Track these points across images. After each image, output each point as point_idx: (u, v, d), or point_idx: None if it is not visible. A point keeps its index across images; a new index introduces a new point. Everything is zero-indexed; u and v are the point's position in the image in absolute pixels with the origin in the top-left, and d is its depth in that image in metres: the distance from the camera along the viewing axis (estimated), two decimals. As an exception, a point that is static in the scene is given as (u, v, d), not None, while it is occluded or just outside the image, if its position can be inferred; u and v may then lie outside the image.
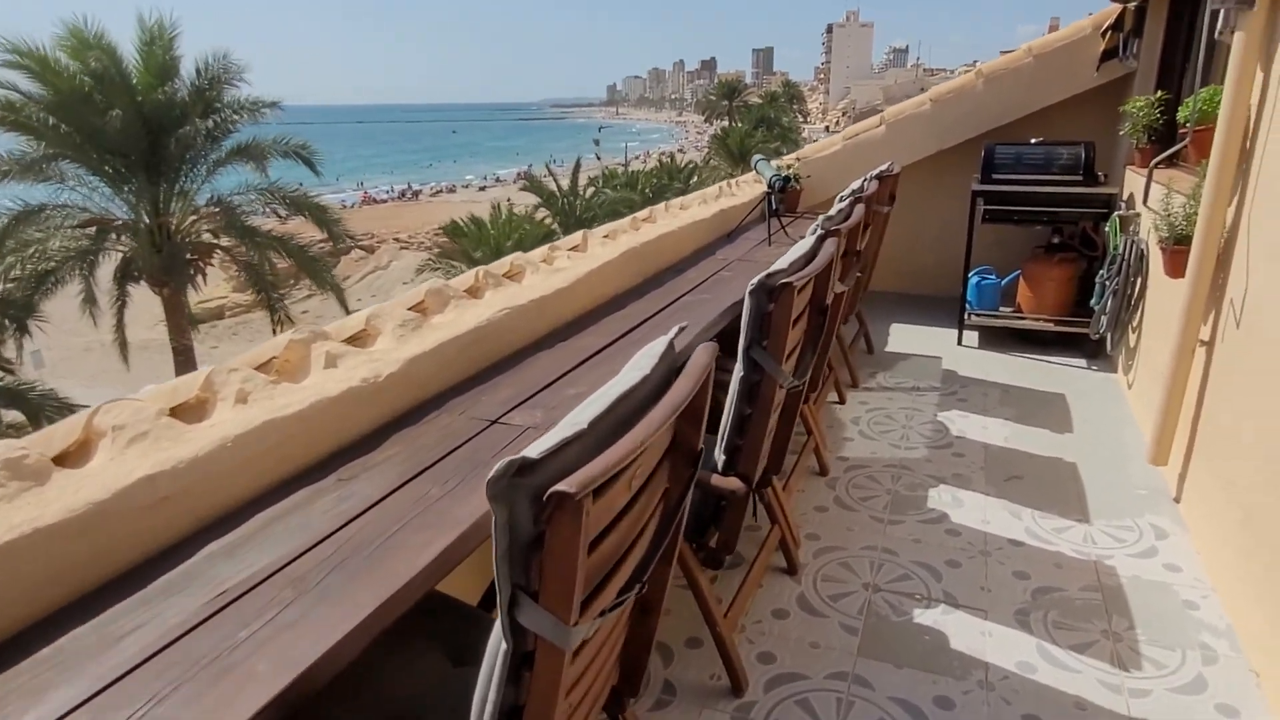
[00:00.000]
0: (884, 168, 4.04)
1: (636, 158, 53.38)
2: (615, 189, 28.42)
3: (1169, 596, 2.55)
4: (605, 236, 3.06)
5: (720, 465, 2.03)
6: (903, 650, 2.32)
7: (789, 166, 4.98)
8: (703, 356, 1.31)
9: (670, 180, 27.59)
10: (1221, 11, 2.86)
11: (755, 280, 1.84)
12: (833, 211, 2.58)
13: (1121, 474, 3.31)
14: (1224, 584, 2.55)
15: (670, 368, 1.33)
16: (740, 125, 44.78)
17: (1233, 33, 2.76)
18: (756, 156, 4.56)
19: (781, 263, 1.93)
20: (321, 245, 15.14)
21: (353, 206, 51.07)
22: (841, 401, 4.04)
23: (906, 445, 3.60)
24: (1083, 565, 2.71)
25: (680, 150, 60.65)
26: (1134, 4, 4.50)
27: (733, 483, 1.95)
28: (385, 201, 54.87)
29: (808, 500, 3.14)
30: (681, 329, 1.36)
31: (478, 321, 2.08)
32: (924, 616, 2.46)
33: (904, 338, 5.09)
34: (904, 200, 5.75)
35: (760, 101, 56.69)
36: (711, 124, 61.19)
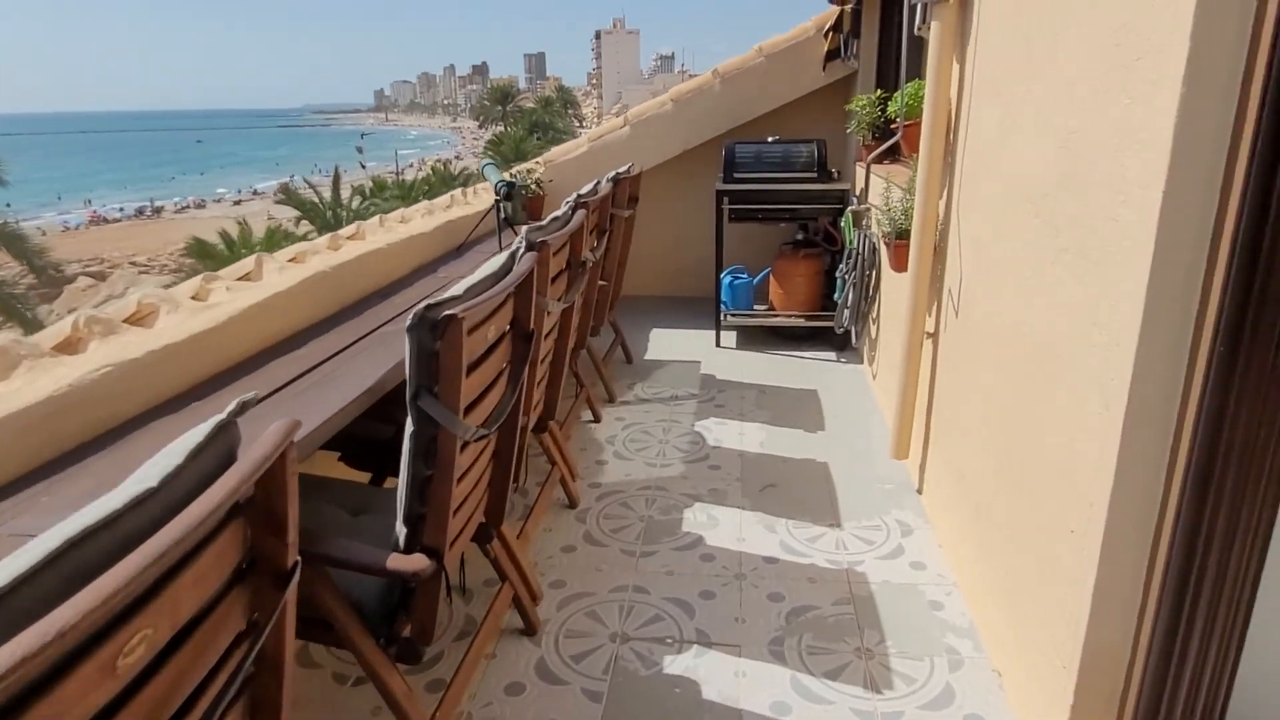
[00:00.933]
0: (622, 169, 3.82)
1: (411, 165, 51.29)
2: (386, 199, 26.99)
3: (916, 599, 2.49)
4: (291, 260, 2.55)
5: (401, 540, 1.64)
6: (651, 711, 2.05)
7: (530, 171, 4.68)
8: (271, 439, 0.92)
9: (445, 187, 26.66)
10: (918, 6, 2.88)
11: (415, 313, 1.47)
12: (544, 220, 2.26)
13: (869, 469, 3.31)
14: (965, 579, 2.53)
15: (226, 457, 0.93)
16: (515, 130, 44.35)
17: (929, 26, 2.78)
18: (484, 161, 4.18)
19: (456, 288, 1.58)
20: (21, 277, 12.91)
21: (79, 228, 44.87)
22: (596, 420, 3.78)
23: (663, 462, 3.40)
24: (835, 577, 2.60)
25: (457, 156, 59.14)
26: (850, 6, 4.64)
27: (416, 561, 1.57)
28: (118, 221, 48.69)
29: (554, 540, 2.82)
30: (247, 401, 0.95)
31: (54, 389, 1.54)
32: (675, 664, 2.22)
33: (665, 343, 4.95)
34: (660, 200, 5.65)
35: (534, 106, 56.59)
36: (486, 129, 60.27)
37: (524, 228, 2.09)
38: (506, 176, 3.85)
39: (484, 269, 1.76)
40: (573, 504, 3.01)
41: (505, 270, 1.82)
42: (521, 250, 1.99)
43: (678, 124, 5.14)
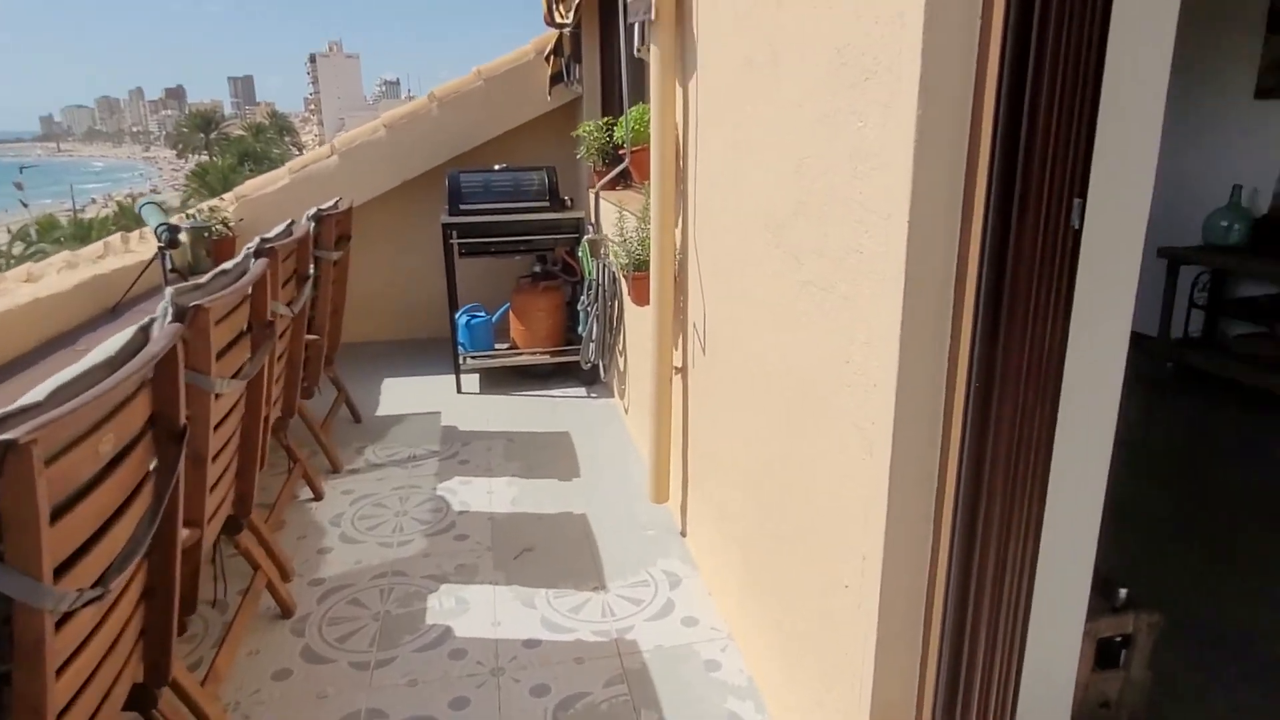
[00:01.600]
0: (327, 205, 3.32)
1: (93, 201, 44.59)
2: (59, 241, 23.20)
3: (691, 662, 2.29)
4: None
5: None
6: None
7: (215, 210, 3.98)
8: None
9: (138, 225, 23.38)
10: (637, 26, 2.73)
11: (-54, 439, 0.96)
12: (204, 279, 1.76)
13: (631, 516, 3.10)
14: (739, 630, 2.38)
15: None
16: (224, 160, 40.29)
17: (648, 48, 2.64)
18: (142, 201, 3.45)
19: (36, 391, 1.08)
20: None
21: None
22: (318, 497, 3.22)
23: (401, 539, 2.94)
24: (605, 651, 2.33)
25: (154, 189, 52.46)
26: (569, 29, 4.48)
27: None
28: None
29: (262, 666, 2.27)
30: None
31: None
32: (425, 809, 1.81)
33: (399, 394, 4.45)
34: (383, 236, 5.13)
35: (244, 134, 51.94)
36: (186, 159, 54.25)
37: (169, 289, 1.59)
38: (174, 219, 3.18)
39: (93, 355, 1.26)
40: (286, 613, 2.47)
41: (131, 351, 1.33)
42: (165, 319, 1.50)
43: (394, 152, 4.68)
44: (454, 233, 4.12)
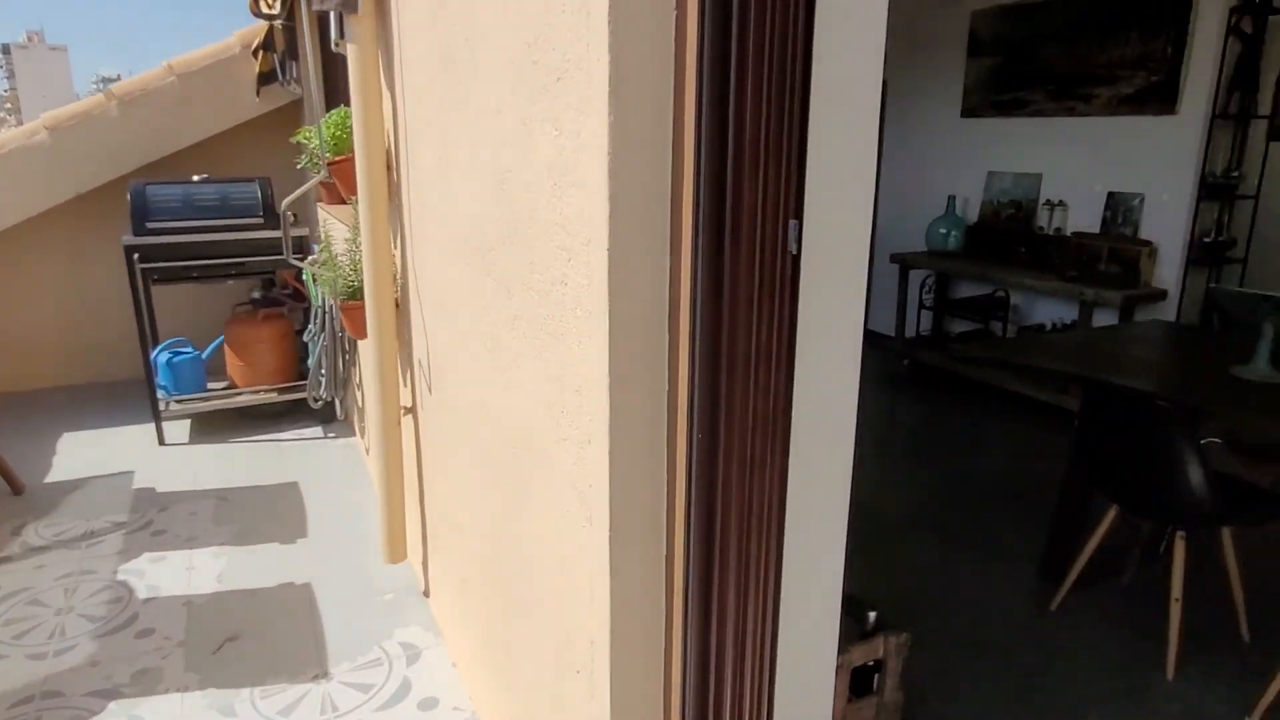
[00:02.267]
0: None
1: None
2: None
3: (428, 758, 1.96)
4: None
5: None
6: None
7: None
8: None
9: None
10: (332, 16, 2.35)
11: None
12: None
13: (365, 579, 2.69)
14: (486, 707, 2.08)
15: None
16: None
17: (347, 44, 2.28)
18: None
19: None
20: None
21: None
22: (-58, 604, 2.51)
23: (59, 647, 2.33)
24: (321, 762, 1.94)
25: None
26: (280, 21, 3.95)
27: None
28: None
29: None
30: None
31: None
32: None
33: (82, 452, 3.68)
34: (56, 262, 4.27)
35: (-81, 136, 43.52)
36: None
37: None
38: None
39: None
40: None
41: None
42: None
43: (59, 160, 3.88)
44: (139, 256, 3.46)
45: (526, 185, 1.38)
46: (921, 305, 5.16)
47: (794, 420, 1.26)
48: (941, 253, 4.92)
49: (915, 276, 5.12)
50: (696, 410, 1.18)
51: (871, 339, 5.74)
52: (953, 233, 4.86)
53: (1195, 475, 2.20)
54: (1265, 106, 4.10)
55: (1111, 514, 2.51)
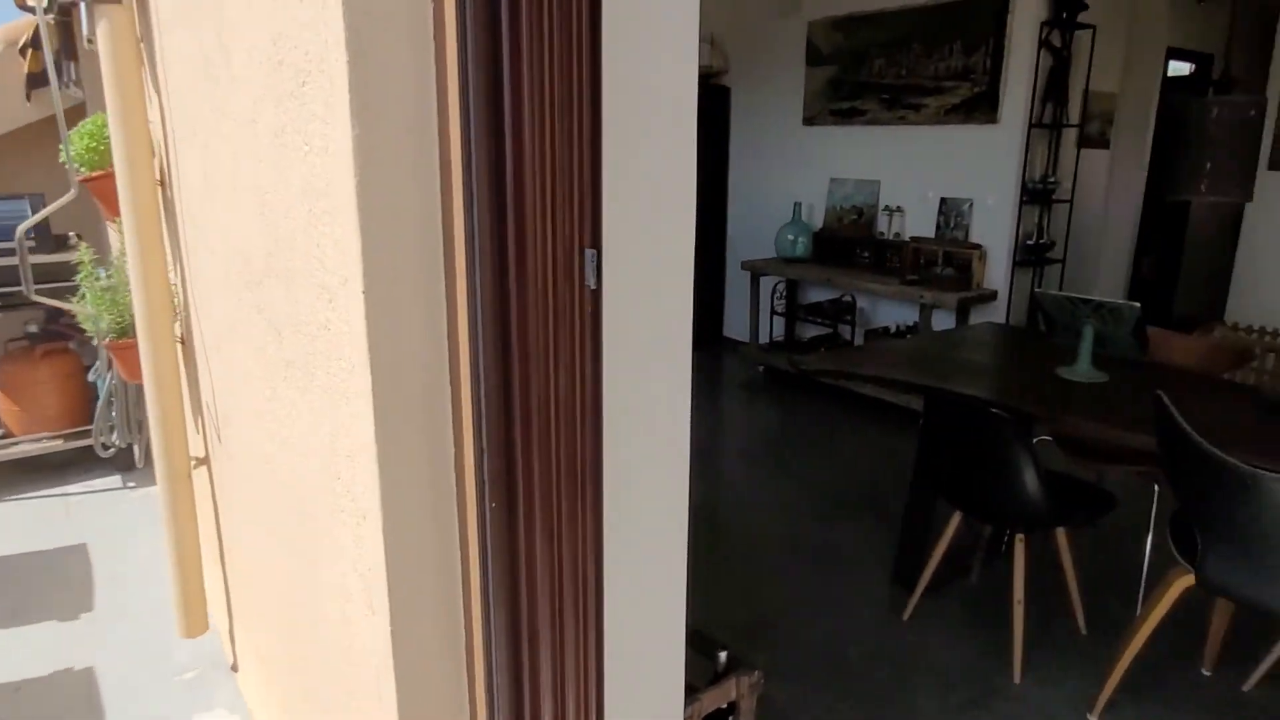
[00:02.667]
0: None
1: None
2: None
3: None
4: None
5: None
6: None
7: None
8: None
9: None
10: (81, 8, 2.01)
11: None
12: None
13: (164, 655, 2.34)
14: (293, 806, 1.81)
15: None
16: None
17: (99, 39, 1.94)
18: None
19: None
20: None
21: None
22: None
23: None
24: None
25: None
26: (53, 17, 3.45)
27: None
28: None
29: None
30: None
31: None
32: None
33: None
34: None
35: None
36: None
37: None
38: None
39: None
40: None
41: None
42: None
43: None
44: None
45: (286, 210, 1.16)
46: (774, 311, 5.19)
47: (612, 469, 1.10)
48: (790, 259, 4.96)
49: (766, 283, 5.14)
50: (488, 475, 1.00)
51: (727, 346, 5.74)
52: (800, 239, 4.91)
53: (1030, 481, 2.22)
54: (1075, 116, 4.35)
55: (957, 519, 2.52)
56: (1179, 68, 5.90)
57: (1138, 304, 2.40)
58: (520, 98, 0.90)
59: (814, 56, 4.93)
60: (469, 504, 1.02)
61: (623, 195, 1.04)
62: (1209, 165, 2.38)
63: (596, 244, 0.99)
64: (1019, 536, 2.36)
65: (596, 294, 1.00)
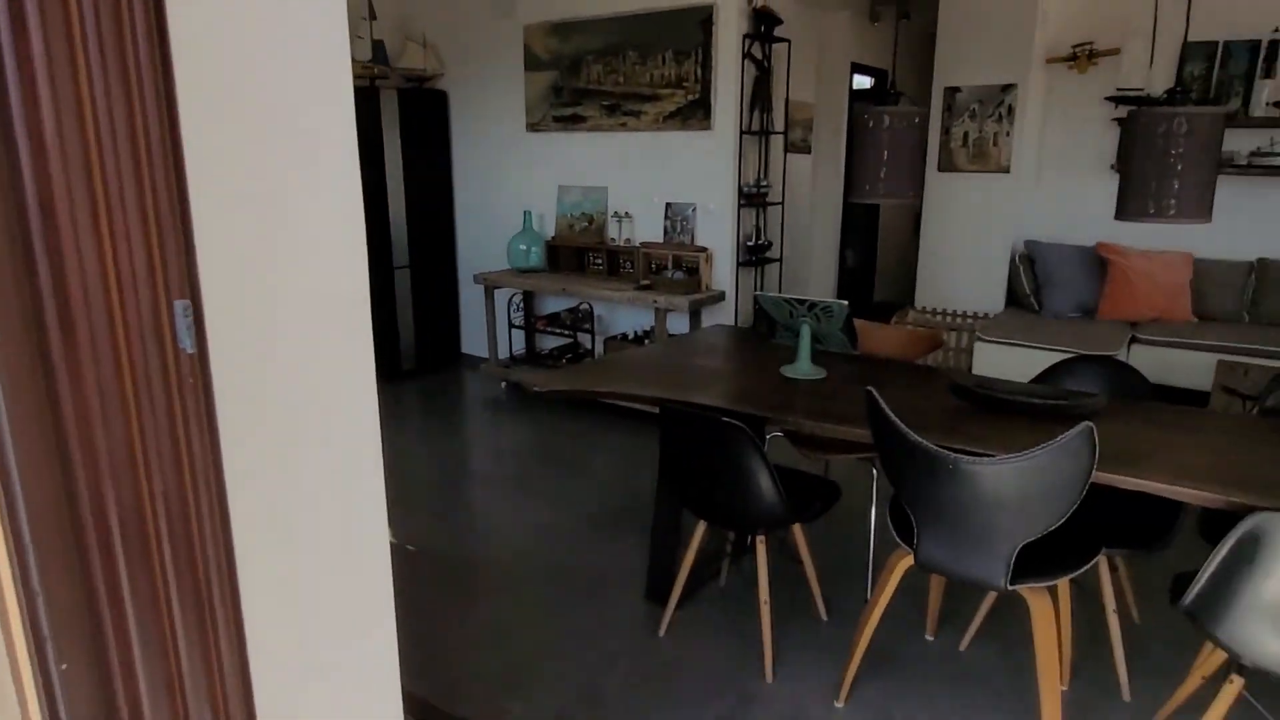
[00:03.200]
0: None
1: None
2: None
3: None
4: None
5: None
6: None
7: None
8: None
9: None
10: None
11: None
12: None
13: None
14: None
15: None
16: None
17: None
18: None
19: None
20: None
21: None
22: None
23: None
24: None
25: None
26: None
27: None
28: None
29: None
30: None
31: None
32: None
33: None
34: None
35: None
36: None
37: None
38: None
39: None
40: None
41: None
42: None
43: None
44: None
45: None
46: (512, 324, 5.01)
47: (259, 574, 0.84)
48: (525, 270, 4.81)
49: (502, 296, 4.96)
50: (51, 632, 0.70)
51: (467, 363, 5.48)
52: (533, 249, 4.78)
53: (767, 486, 2.23)
54: (780, 124, 4.63)
55: (702, 528, 2.50)
56: (862, 81, 6.57)
57: (846, 302, 2.52)
58: (34, 89, 0.62)
59: (533, 61, 4.82)
60: (23, 671, 0.71)
61: (237, 225, 0.79)
62: (884, 170, 2.54)
63: (192, 293, 0.73)
64: (760, 539, 2.38)
65: (197, 359, 0.74)
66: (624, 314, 4.75)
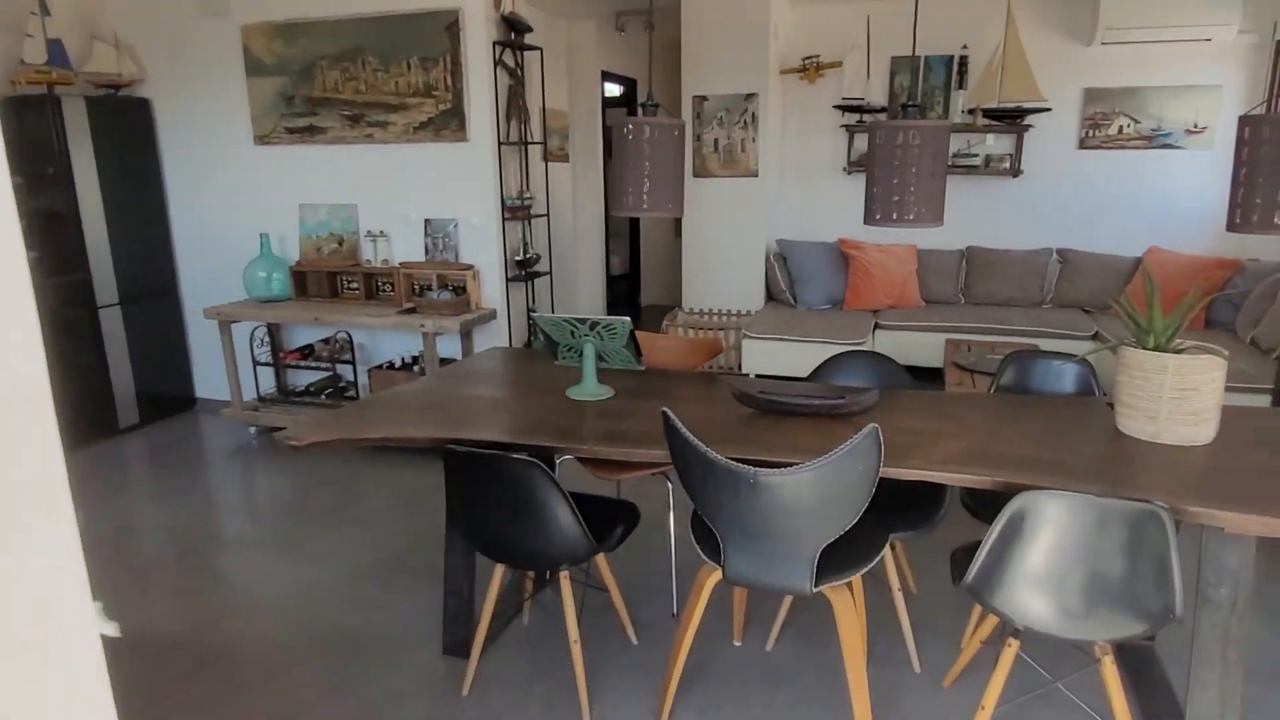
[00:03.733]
0: None
1: None
2: None
3: None
4: None
5: None
6: None
7: None
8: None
9: None
10: None
11: None
12: None
13: None
14: None
15: None
16: None
17: None
18: None
19: None
20: None
21: None
22: None
23: None
24: None
25: None
26: None
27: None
28: None
29: None
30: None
31: None
32: None
33: None
34: None
35: None
36: None
37: None
38: None
39: None
40: None
41: None
42: None
43: None
44: None
45: None
46: (256, 361, 4.46)
47: None
48: (267, 300, 4.29)
49: (241, 330, 4.39)
50: None
51: (206, 409, 4.81)
52: (275, 276, 4.27)
53: (566, 521, 2.09)
54: (538, 133, 4.51)
55: (499, 572, 2.31)
56: (613, 89, 6.64)
57: (628, 319, 2.45)
58: None
59: (255, 66, 4.30)
60: None
61: None
62: (647, 184, 2.50)
63: None
64: (563, 574, 2.24)
65: None
66: (388, 340, 4.39)
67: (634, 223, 7.36)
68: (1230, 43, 4.84)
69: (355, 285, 4.25)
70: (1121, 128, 5.12)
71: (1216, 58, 4.89)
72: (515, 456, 2.03)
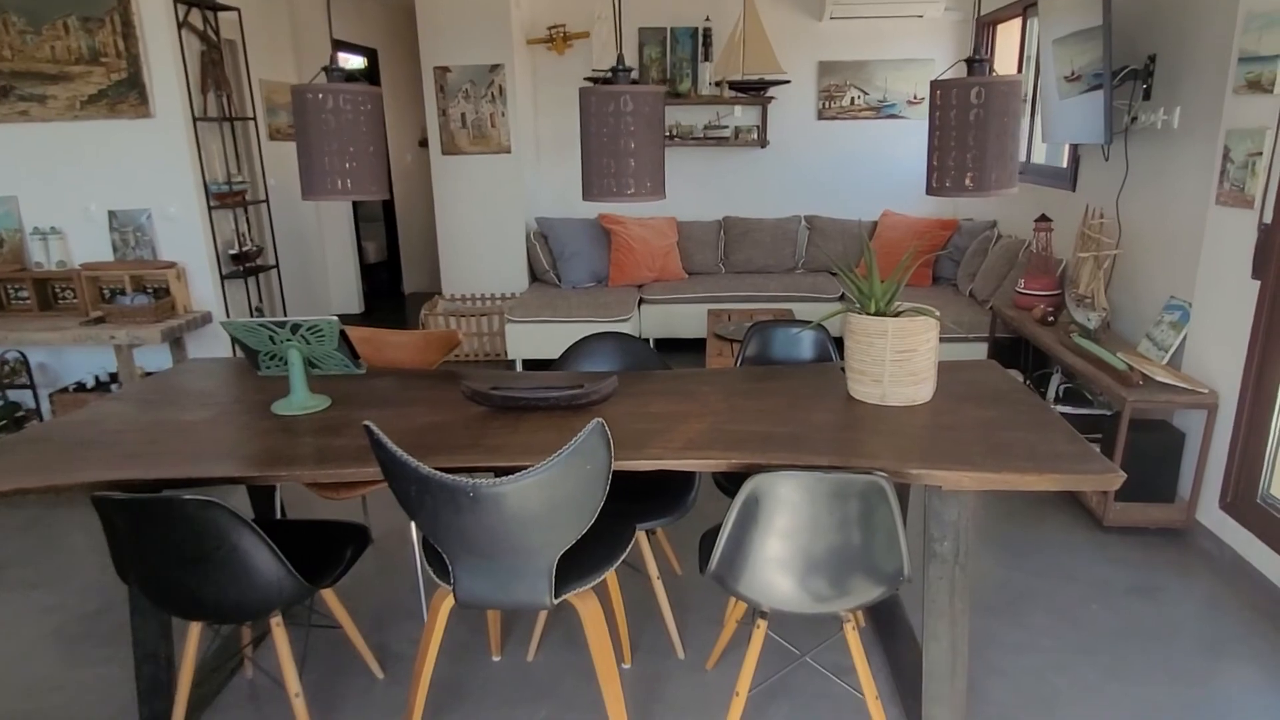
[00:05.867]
0: None
1: None
2: None
3: None
4: None
5: None
6: None
7: None
8: None
9: None
10: None
11: None
12: None
13: None
14: None
15: None
16: None
17: None
18: None
19: None
20: None
21: None
22: None
23: None
24: None
25: None
26: None
27: None
28: None
29: None
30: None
31: None
32: None
33: None
34: None
35: None
36: None
37: None
38: None
39: None
40: None
41: None
42: None
43: None
44: None
45: None
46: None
47: None
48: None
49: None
50: None
51: None
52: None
53: (267, 564, 1.77)
54: (250, 108, 3.97)
55: (195, 631, 1.95)
56: (355, 59, 6.08)
57: (335, 318, 2.13)
58: None
59: None
60: None
61: None
62: (350, 165, 2.17)
63: None
64: (276, 623, 1.92)
65: None
66: (75, 358, 3.71)
67: (388, 206, 6.85)
68: (939, 19, 5.24)
69: (25, 294, 3.53)
70: (853, 99, 5.41)
71: (929, 33, 5.27)
72: (188, 497, 1.67)
